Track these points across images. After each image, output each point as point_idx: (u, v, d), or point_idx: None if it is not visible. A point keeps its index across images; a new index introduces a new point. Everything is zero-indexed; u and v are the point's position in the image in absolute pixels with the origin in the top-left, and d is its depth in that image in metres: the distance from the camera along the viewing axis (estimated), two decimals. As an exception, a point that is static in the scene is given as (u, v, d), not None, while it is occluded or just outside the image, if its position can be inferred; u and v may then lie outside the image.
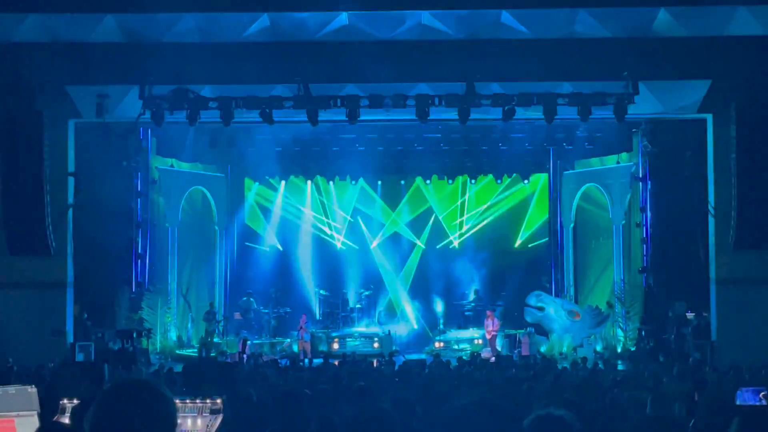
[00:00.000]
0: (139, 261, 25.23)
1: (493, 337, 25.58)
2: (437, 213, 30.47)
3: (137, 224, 25.25)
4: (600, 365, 19.21)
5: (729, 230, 21.77)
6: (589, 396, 11.14)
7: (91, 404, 3.15)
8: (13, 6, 20.28)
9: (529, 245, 29.92)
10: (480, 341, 26.11)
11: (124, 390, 3.18)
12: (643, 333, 24.33)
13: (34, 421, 8.74)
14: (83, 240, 22.70)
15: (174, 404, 3.22)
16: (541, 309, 25.84)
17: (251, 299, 27.94)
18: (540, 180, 29.81)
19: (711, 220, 22.56)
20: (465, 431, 3.86)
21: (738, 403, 9.21)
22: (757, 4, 20.78)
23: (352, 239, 30.31)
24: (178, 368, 18.21)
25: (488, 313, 26.21)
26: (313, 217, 30.39)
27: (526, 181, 29.69)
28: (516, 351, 25.15)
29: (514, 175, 29.47)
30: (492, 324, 25.76)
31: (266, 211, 30.05)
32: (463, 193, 30.28)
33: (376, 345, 25.97)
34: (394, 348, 25.92)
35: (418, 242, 30.41)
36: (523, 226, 30.01)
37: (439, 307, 28.54)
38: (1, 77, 21.20)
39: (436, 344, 26.29)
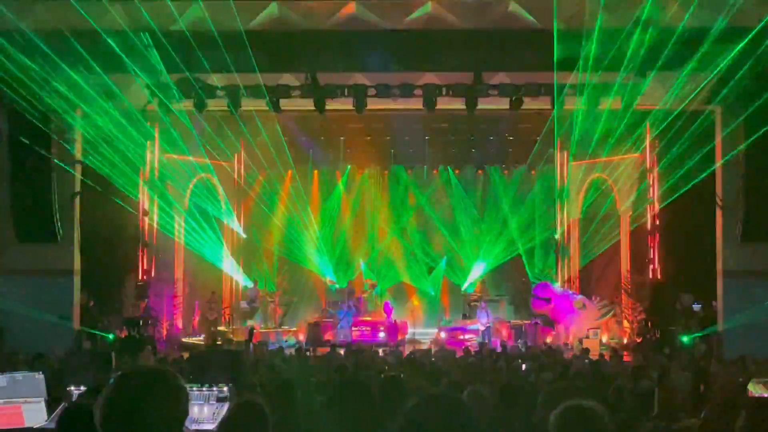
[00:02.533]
0: (146, 249, 25.25)
1: (488, 329, 25.41)
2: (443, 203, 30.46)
3: (144, 212, 25.25)
4: (606, 356, 19.19)
5: (736, 222, 21.73)
6: (595, 387, 11.14)
7: (103, 391, 3.15)
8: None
9: (536, 236, 29.88)
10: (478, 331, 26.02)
11: (135, 377, 3.18)
12: (649, 324, 24.31)
13: (41, 408, 8.79)
14: (90, 228, 22.77)
15: (186, 392, 3.22)
16: (547, 300, 25.83)
17: (258, 288, 28.01)
18: (547, 170, 29.74)
19: (718, 212, 22.53)
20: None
21: (750, 395, 9.19)
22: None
23: (358, 227, 30.33)
24: (185, 356, 18.24)
25: (482, 304, 26.12)
26: (318, 206, 30.43)
27: (533, 172, 29.65)
28: (521, 341, 25.14)
29: (521, 165, 29.45)
30: (487, 316, 25.61)
31: (272, 200, 30.09)
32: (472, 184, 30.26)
33: (382, 334, 26.02)
34: (400, 337, 25.96)
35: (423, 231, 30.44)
36: (530, 217, 29.95)
37: (445, 297, 28.53)
38: (9, 64, 21.19)
39: (442, 334, 26.31)
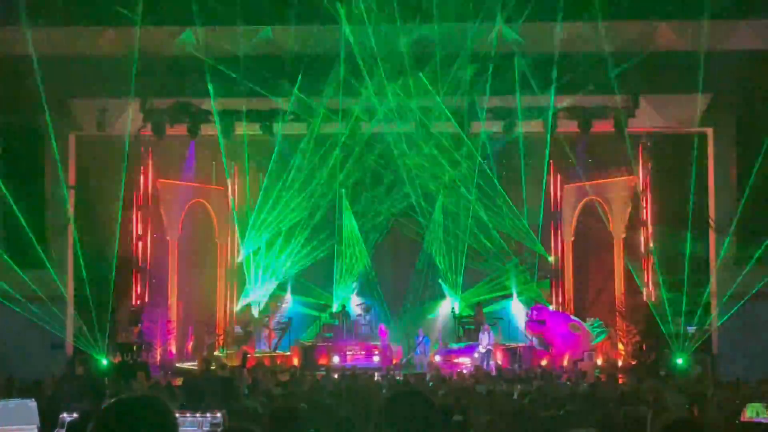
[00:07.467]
0: (139, 274, 25.18)
1: (488, 352, 25.31)
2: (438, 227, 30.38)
3: (138, 237, 25.18)
4: (602, 379, 19.15)
5: (729, 244, 21.76)
6: (590, 410, 11.11)
7: (90, 421, 3.13)
8: (14, 19, 20.31)
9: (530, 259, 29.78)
10: (476, 355, 25.85)
11: (124, 406, 3.15)
12: (644, 347, 24.25)
13: (34, 435, 8.74)
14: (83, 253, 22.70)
15: (176, 420, 3.20)
16: (542, 323, 25.77)
17: (251, 312, 27.91)
18: (541, 193, 29.66)
19: (711, 235, 22.57)
20: None
21: (744, 418, 9.16)
22: (758, 18, 20.82)
23: (354, 250, 30.23)
24: (179, 381, 18.17)
25: (485, 327, 26.02)
26: (318, 228, 30.30)
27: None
28: (516, 365, 25.04)
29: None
30: (489, 339, 25.52)
31: (268, 223, 29.98)
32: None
33: (376, 358, 25.91)
34: (395, 362, 25.85)
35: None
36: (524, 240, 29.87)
37: (440, 320, 28.46)
38: (2, 90, 21.21)
39: (437, 358, 26.20)
